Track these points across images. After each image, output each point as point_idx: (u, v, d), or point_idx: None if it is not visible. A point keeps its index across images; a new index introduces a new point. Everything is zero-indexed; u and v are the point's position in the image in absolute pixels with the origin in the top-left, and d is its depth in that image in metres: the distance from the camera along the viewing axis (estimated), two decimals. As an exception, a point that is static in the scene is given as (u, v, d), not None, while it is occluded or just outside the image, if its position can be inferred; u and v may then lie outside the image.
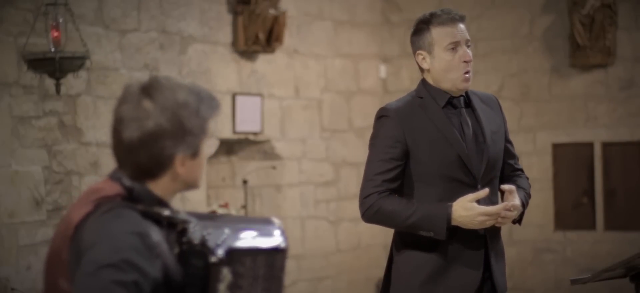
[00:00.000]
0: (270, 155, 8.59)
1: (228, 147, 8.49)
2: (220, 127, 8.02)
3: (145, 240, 2.29)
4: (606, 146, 9.08)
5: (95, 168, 6.87)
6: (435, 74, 4.05)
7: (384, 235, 9.54)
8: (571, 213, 9.17)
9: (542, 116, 9.16)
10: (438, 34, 4.02)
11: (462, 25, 4.05)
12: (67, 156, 6.69)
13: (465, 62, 4.00)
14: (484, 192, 3.91)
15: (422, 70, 4.11)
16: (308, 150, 8.87)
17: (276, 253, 2.42)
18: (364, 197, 4.03)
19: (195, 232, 2.37)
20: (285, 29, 8.32)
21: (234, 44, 8.13)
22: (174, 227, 2.39)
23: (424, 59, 4.06)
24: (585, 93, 9.10)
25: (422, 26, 4.06)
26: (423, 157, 3.99)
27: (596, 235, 9.06)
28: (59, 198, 6.62)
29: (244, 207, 8.18)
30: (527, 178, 4.27)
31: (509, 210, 3.94)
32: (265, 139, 8.47)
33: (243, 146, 8.53)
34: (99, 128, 6.91)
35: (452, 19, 4.02)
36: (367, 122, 9.48)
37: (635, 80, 8.99)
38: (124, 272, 2.22)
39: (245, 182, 8.20)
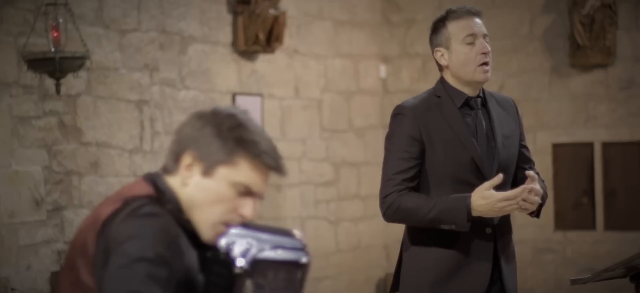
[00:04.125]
0: (270, 155, 8.58)
1: (228, 147, 8.48)
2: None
3: (175, 241, 2.29)
4: (606, 146, 9.08)
5: (95, 168, 6.87)
6: (453, 68, 4.02)
7: (384, 236, 9.54)
8: (571, 213, 9.17)
9: (542, 116, 9.16)
10: (454, 28, 4.01)
11: (478, 20, 4.05)
12: (67, 156, 6.69)
13: (483, 53, 3.98)
14: (498, 178, 3.87)
15: (440, 68, 4.09)
16: (308, 150, 8.87)
17: (298, 267, 2.42)
18: (384, 197, 4.01)
19: (222, 240, 2.38)
20: (285, 29, 8.32)
21: (234, 44, 8.13)
22: (196, 236, 2.39)
23: (442, 55, 4.04)
24: (585, 93, 9.10)
25: (438, 24, 4.06)
26: (437, 158, 3.98)
27: (596, 235, 9.07)
28: (59, 198, 6.62)
29: (244, 207, 8.18)
30: (543, 181, 4.23)
31: (529, 193, 3.89)
32: (265, 139, 8.47)
33: (243, 146, 8.52)
34: (99, 128, 6.91)
35: (468, 12, 4.03)
36: (367, 122, 9.48)
37: (635, 80, 8.99)
38: (159, 267, 2.21)
39: (245, 182, 8.19)
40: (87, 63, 6.21)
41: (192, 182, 2.38)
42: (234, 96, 8.10)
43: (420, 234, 4.02)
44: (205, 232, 2.38)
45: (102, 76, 6.96)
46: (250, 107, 8.20)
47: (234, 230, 2.40)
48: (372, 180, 9.20)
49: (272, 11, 8.15)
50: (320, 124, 9.00)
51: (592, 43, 8.86)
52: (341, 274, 9.18)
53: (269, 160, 2.36)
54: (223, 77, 8.03)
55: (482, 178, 3.96)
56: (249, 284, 2.34)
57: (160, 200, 2.37)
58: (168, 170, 2.42)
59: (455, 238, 3.97)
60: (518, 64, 9.26)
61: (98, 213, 2.37)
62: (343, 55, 9.24)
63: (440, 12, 4.08)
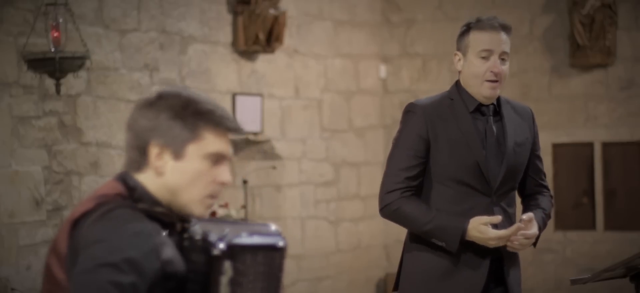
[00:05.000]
0: (270, 155, 8.59)
1: (228, 147, 8.48)
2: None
3: (148, 240, 2.30)
4: (606, 146, 9.08)
5: (95, 168, 6.87)
6: (464, 76, 4.05)
7: (383, 236, 9.54)
8: (571, 213, 9.17)
9: (542, 116, 9.15)
10: (474, 39, 4.02)
11: (502, 36, 4.03)
12: (67, 156, 6.69)
13: (493, 72, 3.99)
14: (496, 218, 3.93)
15: (459, 72, 4.11)
16: (308, 150, 8.87)
17: (275, 251, 2.45)
18: (385, 192, 4.04)
19: (196, 229, 2.40)
20: (285, 29, 8.32)
21: (234, 44, 8.13)
22: (174, 226, 2.41)
23: (459, 60, 4.07)
24: (585, 93, 9.10)
25: (464, 28, 4.08)
26: (441, 158, 4.00)
27: (596, 235, 9.07)
28: (59, 198, 6.62)
29: (244, 207, 8.18)
30: (552, 197, 4.26)
31: (523, 231, 3.96)
32: (265, 139, 8.47)
33: (243, 146, 8.53)
34: (99, 128, 6.91)
35: (492, 26, 4.02)
36: (367, 122, 9.48)
37: (635, 80, 8.99)
38: (123, 272, 2.22)
39: (245, 182, 8.20)
40: (87, 63, 6.21)
41: (167, 169, 2.41)
42: (234, 96, 8.09)
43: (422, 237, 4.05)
44: (196, 210, 2.43)
45: (102, 76, 6.96)
46: (250, 107, 8.20)
47: (209, 223, 2.44)
48: (372, 180, 9.20)
49: (272, 11, 8.15)
50: (320, 124, 9.00)
51: (592, 43, 8.86)
52: (341, 274, 9.18)
53: (229, 123, 2.43)
54: (223, 77, 8.03)
55: (485, 183, 3.98)
56: (228, 266, 2.35)
57: (133, 198, 2.39)
58: (136, 167, 2.44)
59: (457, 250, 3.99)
60: (518, 64, 9.25)
61: (72, 214, 2.40)
62: (343, 55, 9.24)
63: (470, 18, 4.08)
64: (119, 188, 2.41)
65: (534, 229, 4.00)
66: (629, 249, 7.53)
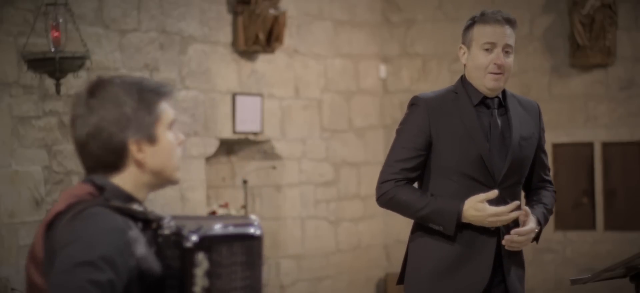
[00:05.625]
0: (270, 155, 8.59)
1: (228, 147, 8.49)
2: (220, 127, 8.02)
3: (122, 237, 2.31)
4: (606, 146, 9.08)
5: (95, 168, 6.87)
6: (468, 69, 4.09)
7: (384, 236, 9.54)
8: (571, 213, 9.17)
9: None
10: (478, 32, 4.06)
11: (506, 29, 4.08)
12: (67, 156, 6.69)
13: (496, 64, 4.01)
14: (493, 193, 3.92)
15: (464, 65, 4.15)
16: (308, 150, 8.87)
17: (252, 240, 2.45)
18: (381, 182, 4.08)
19: (170, 224, 2.40)
20: (285, 29, 8.32)
21: (234, 44, 8.13)
22: (149, 222, 2.41)
23: (464, 53, 4.10)
24: (585, 93, 9.10)
25: (470, 22, 4.12)
26: (444, 151, 4.02)
27: (596, 235, 9.07)
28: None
29: (244, 207, 8.18)
30: (555, 191, 4.27)
31: (516, 229, 3.96)
32: (265, 139, 8.48)
33: (243, 146, 8.53)
34: (99, 128, 6.91)
35: (496, 19, 4.07)
36: (367, 122, 9.48)
37: (635, 80, 8.99)
38: (100, 270, 2.23)
39: (245, 182, 8.20)
40: (87, 63, 6.21)
41: (148, 157, 2.45)
42: (234, 96, 8.09)
43: (427, 229, 4.05)
44: (177, 177, 2.52)
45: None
46: (250, 107, 8.20)
47: (184, 219, 2.44)
48: (372, 180, 9.17)
49: (272, 11, 8.15)
50: (320, 124, 9.00)
51: (592, 43, 8.86)
52: (341, 274, 9.18)
53: (168, 90, 2.52)
54: (223, 77, 8.03)
55: (489, 175, 3.99)
56: (201, 258, 2.34)
57: (103, 197, 2.40)
58: (111, 170, 2.45)
59: (460, 233, 3.99)
60: (518, 64, 9.25)
61: (45, 218, 2.41)
62: (343, 55, 9.24)
63: (476, 12, 4.12)
64: (88, 188, 2.42)
65: (530, 224, 3.99)
66: (629, 249, 7.53)
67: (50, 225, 2.37)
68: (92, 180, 2.44)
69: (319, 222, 8.98)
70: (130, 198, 2.43)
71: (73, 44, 6.24)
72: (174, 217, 2.44)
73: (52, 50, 6.03)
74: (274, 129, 8.50)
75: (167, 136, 2.48)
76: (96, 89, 2.45)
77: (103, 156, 2.43)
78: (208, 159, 8.06)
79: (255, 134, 8.35)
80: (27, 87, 6.43)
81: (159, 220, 2.42)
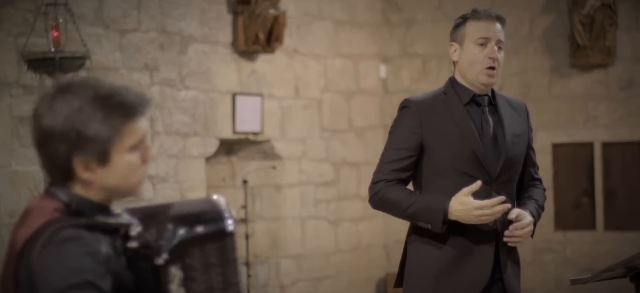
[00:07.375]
0: (270, 155, 8.59)
1: (228, 147, 8.49)
2: (220, 127, 8.03)
3: (96, 258, 2.20)
4: (606, 146, 9.08)
5: (95, 168, 6.87)
6: (461, 66, 4.10)
7: (384, 236, 9.54)
8: (571, 213, 9.17)
9: (542, 116, 9.16)
10: (471, 28, 4.09)
11: (498, 26, 4.10)
12: (67, 156, 6.68)
13: (490, 58, 4.04)
14: (476, 185, 3.92)
15: (454, 63, 4.15)
16: (308, 150, 8.87)
17: (224, 237, 2.36)
18: (372, 183, 4.14)
19: (137, 235, 2.30)
20: (285, 29, 8.32)
21: (234, 44, 8.13)
22: (117, 231, 2.30)
23: (455, 50, 4.12)
24: (585, 93, 9.10)
25: (460, 20, 4.17)
26: (438, 150, 4.03)
27: (596, 235, 9.07)
28: (59, 198, 6.62)
29: (244, 207, 8.18)
30: (544, 189, 4.31)
31: (516, 223, 3.98)
32: (265, 138, 8.48)
33: (243, 146, 8.53)
34: (99, 128, 6.91)
35: (488, 15, 4.10)
36: (367, 122, 9.48)
37: (635, 80, 8.99)
38: (88, 291, 2.15)
39: (245, 182, 8.20)
40: (87, 63, 6.21)
41: (97, 177, 2.28)
42: (234, 96, 8.09)
43: (423, 230, 4.05)
44: (136, 193, 2.33)
45: (102, 76, 6.96)
46: (250, 107, 8.20)
47: (150, 219, 2.33)
48: (372, 180, 9.20)
49: (272, 11, 8.15)
50: (320, 124, 9.00)
51: (592, 43, 8.87)
52: (341, 274, 9.18)
53: (141, 108, 2.31)
54: (223, 77, 8.03)
55: (485, 171, 4.00)
56: (175, 271, 2.27)
57: (70, 212, 2.27)
58: (62, 179, 2.29)
59: (458, 233, 4.00)
60: (518, 64, 9.26)
61: (13, 243, 2.28)
62: (343, 55, 9.24)
63: (466, 11, 4.15)
64: (53, 204, 2.28)
65: (527, 218, 4.01)
66: (629, 249, 7.53)
67: (22, 253, 2.23)
68: (55, 194, 2.29)
69: (319, 222, 8.98)
70: (98, 207, 2.30)
71: (73, 44, 6.24)
72: (129, 210, 2.33)
73: (52, 50, 6.03)
74: (274, 129, 8.50)
75: (124, 157, 2.28)
76: (60, 92, 2.26)
77: (49, 167, 2.29)
78: (208, 159, 8.06)
79: (255, 134, 8.35)
80: (27, 87, 6.43)
81: (126, 228, 2.30)
